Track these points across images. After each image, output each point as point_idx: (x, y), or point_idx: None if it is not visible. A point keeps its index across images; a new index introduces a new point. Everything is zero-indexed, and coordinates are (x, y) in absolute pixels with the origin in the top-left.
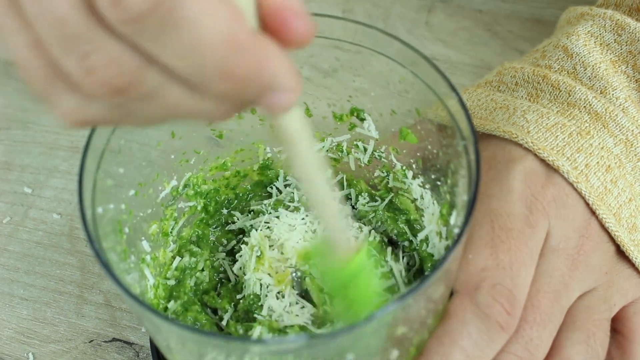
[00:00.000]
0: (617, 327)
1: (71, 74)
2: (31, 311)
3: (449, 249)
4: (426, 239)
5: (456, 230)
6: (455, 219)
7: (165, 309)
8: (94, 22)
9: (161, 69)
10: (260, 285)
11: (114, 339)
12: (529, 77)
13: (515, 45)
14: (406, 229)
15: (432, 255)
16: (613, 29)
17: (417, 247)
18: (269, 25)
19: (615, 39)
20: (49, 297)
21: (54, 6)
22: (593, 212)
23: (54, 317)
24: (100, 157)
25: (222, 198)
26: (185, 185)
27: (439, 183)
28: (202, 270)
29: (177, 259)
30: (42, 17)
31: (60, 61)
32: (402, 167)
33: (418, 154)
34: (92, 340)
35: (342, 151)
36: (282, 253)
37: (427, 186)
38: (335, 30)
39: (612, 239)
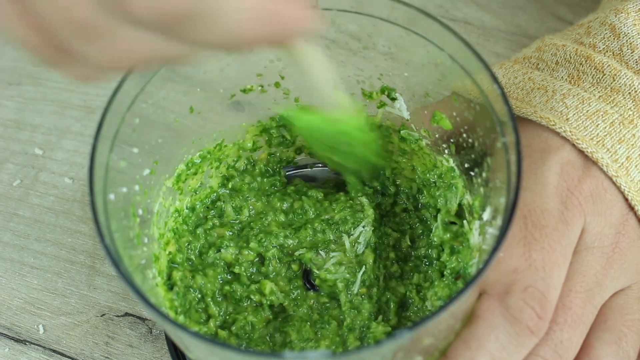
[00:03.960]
0: None
1: (87, 58)
2: (42, 281)
3: (483, 265)
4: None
5: (490, 230)
6: (490, 216)
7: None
8: (114, 19)
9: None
10: None
11: (127, 314)
12: (570, 57)
13: (555, 10)
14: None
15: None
16: None
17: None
18: None
19: None
20: (60, 266)
21: (71, 10)
22: (631, 207)
23: (65, 288)
24: (113, 140)
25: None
26: (201, 157)
27: (472, 174)
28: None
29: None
30: (57, 17)
31: (72, 48)
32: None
33: (452, 140)
34: (104, 314)
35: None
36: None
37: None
38: (370, 6)
39: None
